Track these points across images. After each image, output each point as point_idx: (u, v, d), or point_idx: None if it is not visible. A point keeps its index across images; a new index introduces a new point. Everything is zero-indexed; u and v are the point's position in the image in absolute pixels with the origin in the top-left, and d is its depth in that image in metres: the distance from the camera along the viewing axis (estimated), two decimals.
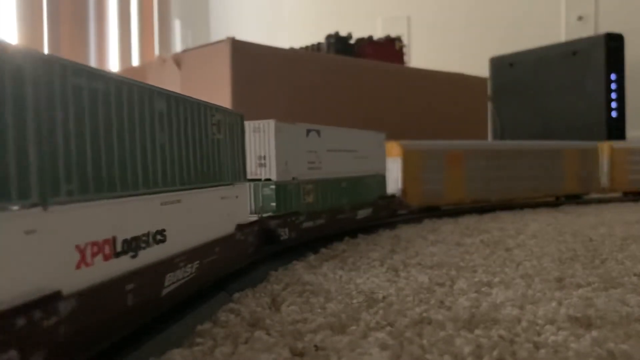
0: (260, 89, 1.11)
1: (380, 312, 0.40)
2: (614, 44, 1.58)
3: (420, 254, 0.63)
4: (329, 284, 0.49)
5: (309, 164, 0.64)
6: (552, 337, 0.34)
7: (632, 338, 0.33)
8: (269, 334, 0.35)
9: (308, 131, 0.64)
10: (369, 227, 0.81)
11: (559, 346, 0.32)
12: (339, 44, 1.41)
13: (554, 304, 0.40)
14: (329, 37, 1.43)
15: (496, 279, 0.50)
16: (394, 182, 0.97)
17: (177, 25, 2.12)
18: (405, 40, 1.59)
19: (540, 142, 1.21)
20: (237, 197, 0.46)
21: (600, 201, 1.25)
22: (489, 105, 1.74)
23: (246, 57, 1.08)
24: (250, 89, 1.08)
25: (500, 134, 1.83)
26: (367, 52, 1.44)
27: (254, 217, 0.52)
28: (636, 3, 1.90)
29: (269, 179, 0.57)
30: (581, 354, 0.31)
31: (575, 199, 1.24)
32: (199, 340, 0.34)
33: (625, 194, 1.31)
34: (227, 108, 0.45)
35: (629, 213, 1.03)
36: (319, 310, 0.41)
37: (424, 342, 0.33)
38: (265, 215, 0.55)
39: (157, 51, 1.92)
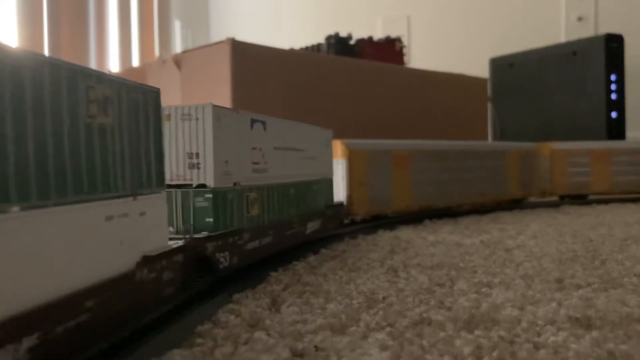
0: (260, 89, 1.11)
1: (380, 312, 0.40)
2: (613, 45, 1.58)
3: (420, 254, 0.63)
4: (329, 285, 0.49)
5: (254, 165, 0.50)
6: (552, 338, 0.34)
7: (632, 338, 0.33)
8: (269, 335, 0.35)
9: (253, 122, 0.50)
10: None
11: (559, 347, 0.32)
12: (339, 44, 1.41)
13: (554, 304, 0.40)
14: (329, 37, 1.43)
15: (496, 280, 0.50)
16: (336, 187, 0.82)
17: (177, 26, 2.12)
18: (405, 40, 1.59)
19: (485, 142, 1.17)
20: (142, 214, 0.32)
21: (535, 206, 1.20)
22: (489, 106, 1.74)
23: (246, 57, 1.08)
24: (250, 89, 1.08)
25: (500, 135, 1.83)
26: (367, 53, 1.44)
27: (177, 242, 0.37)
28: (636, 3, 1.90)
29: (203, 185, 0.43)
30: (581, 354, 0.31)
31: (517, 204, 1.20)
32: (199, 340, 0.34)
33: (562, 197, 1.28)
34: (126, 79, 0.31)
35: (629, 214, 1.03)
36: (319, 310, 0.41)
37: (424, 342, 0.33)
38: (196, 236, 0.41)
39: (157, 52, 1.92)
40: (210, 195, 0.42)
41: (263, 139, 0.52)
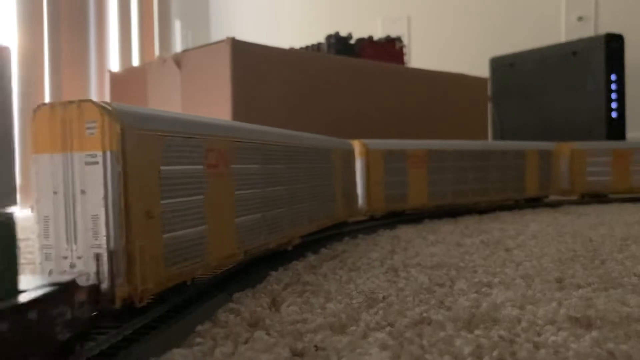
0: (260, 89, 1.11)
1: (380, 312, 0.40)
2: (614, 45, 1.58)
3: (420, 254, 0.63)
4: (329, 284, 0.49)
5: None
6: (552, 338, 0.34)
7: (632, 338, 0.33)
8: (269, 334, 0.35)
9: None
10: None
11: (559, 346, 0.32)
12: (339, 44, 1.41)
13: (554, 304, 0.40)
14: (329, 37, 1.43)
15: (496, 280, 0.50)
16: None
17: (177, 26, 2.12)
18: (405, 40, 1.59)
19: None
20: None
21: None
22: (489, 106, 1.74)
23: (246, 57, 1.08)
24: (250, 89, 1.08)
25: (500, 135, 1.83)
26: (367, 52, 1.44)
27: None
28: (636, 3, 1.90)
29: None
30: (581, 354, 0.31)
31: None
32: (199, 340, 0.34)
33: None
34: None
35: (629, 214, 1.03)
36: (319, 310, 0.41)
37: (424, 342, 0.33)
38: None
39: (157, 51, 1.92)
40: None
41: None
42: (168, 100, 1.17)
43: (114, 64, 1.72)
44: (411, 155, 0.96)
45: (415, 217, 0.97)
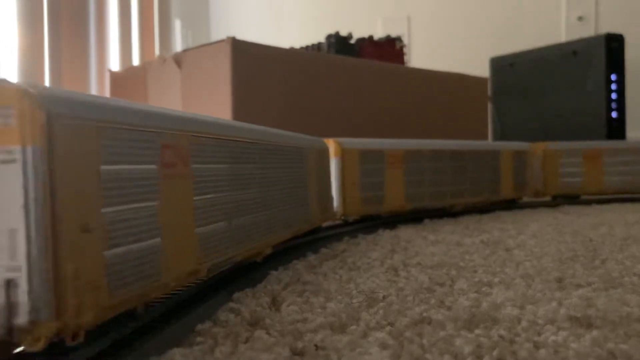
0: (260, 89, 1.11)
1: (381, 311, 0.40)
2: (614, 44, 1.58)
3: (420, 254, 0.63)
4: (329, 284, 0.49)
5: None
6: (552, 337, 0.34)
7: (632, 338, 0.33)
8: (269, 334, 0.35)
9: None
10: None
11: (559, 346, 0.32)
12: (339, 44, 1.41)
13: (554, 304, 0.40)
14: (329, 37, 1.43)
15: (496, 279, 0.50)
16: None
17: (177, 25, 2.12)
18: (405, 40, 1.59)
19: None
20: None
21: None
22: (489, 106, 1.74)
23: (246, 57, 1.08)
24: (250, 88, 1.08)
25: (500, 135, 1.83)
26: (367, 52, 1.44)
27: None
28: (636, 3, 1.90)
29: None
30: (581, 354, 0.31)
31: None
32: (199, 339, 0.34)
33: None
34: None
35: (629, 213, 1.03)
36: (319, 309, 0.41)
37: (424, 341, 0.33)
38: None
39: (157, 51, 1.92)
40: None
41: None
42: (168, 100, 1.17)
43: (114, 64, 1.72)
44: (388, 155, 0.91)
45: (392, 220, 0.91)
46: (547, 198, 1.26)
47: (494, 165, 1.12)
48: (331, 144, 0.82)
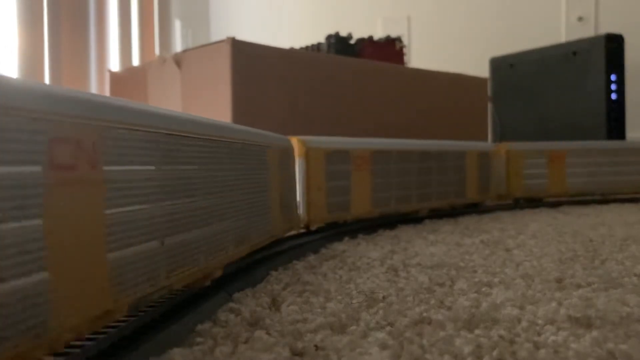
0: (260, 89, 1.11)
1: (380, 312, 0.40)
2: (614, 45, 1.58)
3: (420, 254, 0.63)
4: (329, 284, 0.49)
5: None
6: (552, 337, 0.34)
7: (632, 338, 0.33)
8: (269, 334, 0.35)
9: None
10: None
11: (559, 346, 0.32)
12: (339, 44, 1.41)
13: (554, 304, 0.40)
14: (329, 37, 1.43)
15: (496, 279, 0.50)
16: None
17: (177, 25, 2.12)
18: (405, 40, 1.59)
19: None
20: None
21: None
22: (489, 106, 1.74)
23: (246, 57, 1.08)
24: (250, 89, 1.08)
25: (500, 135, 1.83)
26: (367, 52, 1.44)
27: None
28: (636, 3, 1.90)
29: None
30: (581, 354, 0.31)
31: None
32: (199, 339, 0.34)
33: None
34: None
35: (629, 214, 1.03)
36: (319, 310, 0.41)
37: (424, 342, 0.33)
38: None
39: (157, 51, 1.92)
40: None
41: None
42: (168, 100, 1.17)
43: (114, 64, 1.72)
44: (355, 155, 0.82)
45: (358, 227, 0.83)
46: (509, 201, 1.20)
47: (460, 166, 1.06)
48: (295, 143, 0.71)
